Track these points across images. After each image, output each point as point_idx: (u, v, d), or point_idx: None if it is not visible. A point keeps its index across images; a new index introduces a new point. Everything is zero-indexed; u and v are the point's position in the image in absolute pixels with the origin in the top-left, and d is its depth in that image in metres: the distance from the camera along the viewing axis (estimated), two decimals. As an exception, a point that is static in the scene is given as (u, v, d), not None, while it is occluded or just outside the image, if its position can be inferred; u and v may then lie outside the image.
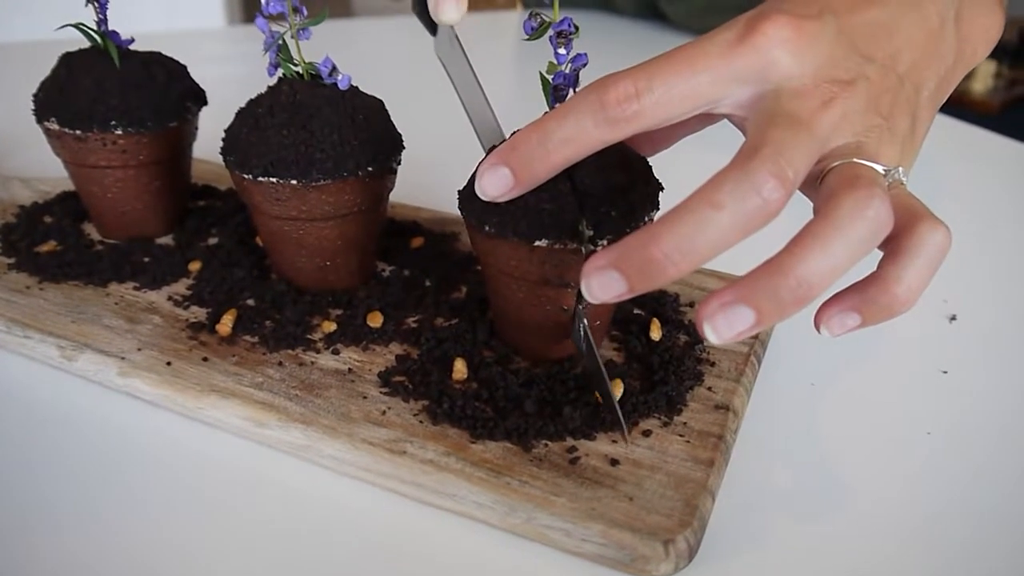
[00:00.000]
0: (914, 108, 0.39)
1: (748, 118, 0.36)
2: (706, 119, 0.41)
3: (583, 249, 0.40)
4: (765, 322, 0.32)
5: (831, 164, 0.35)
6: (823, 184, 0.35)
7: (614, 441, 0.41)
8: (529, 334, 0.46)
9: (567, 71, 0.40)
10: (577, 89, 0.40)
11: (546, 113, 0.38)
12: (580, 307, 0.43)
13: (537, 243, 0.41)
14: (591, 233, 0.40)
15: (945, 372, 0.50)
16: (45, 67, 0.54)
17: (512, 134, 0.40)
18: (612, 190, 0.41)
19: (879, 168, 0.35)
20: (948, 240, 0.34)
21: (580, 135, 0.36)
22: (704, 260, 0.33)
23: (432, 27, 0.55)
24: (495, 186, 0.38)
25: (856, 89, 0.36)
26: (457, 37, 0.49)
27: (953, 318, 0.55)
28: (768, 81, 0.35)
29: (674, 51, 0.36)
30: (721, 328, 0.32)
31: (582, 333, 0.42)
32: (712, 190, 0.32)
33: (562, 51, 0.39)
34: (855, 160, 0.35)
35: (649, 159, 0.44)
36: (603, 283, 0.33)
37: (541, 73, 0.40)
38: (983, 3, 0.44)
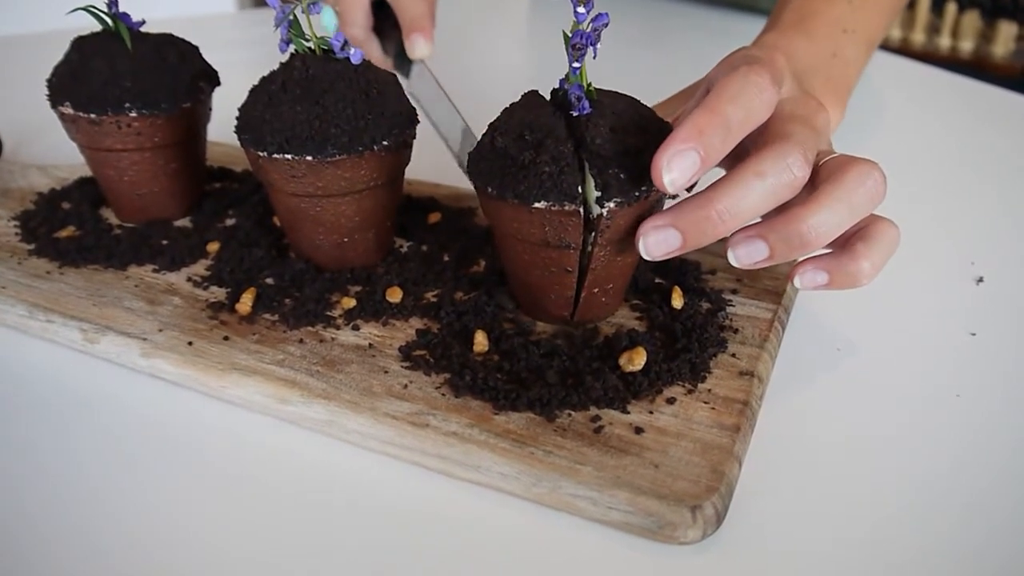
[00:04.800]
0: None
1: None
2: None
3: (580, 211, 0.41)
4: (776, 258, 0.40)
5: (822, 159, 0.42)
6: (821, 169, 0.41)
7: (634, 412, 0.40)
8: (536, 295, 0.46)
9: (587, 30, 0.39)
10: (596, 47, 0.40)
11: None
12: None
13: (536, 205, 0.41)
14: (599, 194, 0.40)
15: (973, 334, 0.49)
16: (58, 55, 0.54)
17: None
18: (624, 152, 0.41)
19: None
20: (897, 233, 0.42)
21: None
22: (745, 221, 0.39)
23: (406, 71, 0.65)
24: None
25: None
26: (429, 70, 0.58)
27: (980, 280, 0.54)
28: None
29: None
30: (741, 255, 0.40)
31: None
32: (756, 163, 0.39)
33: (581, 9, 0.39)
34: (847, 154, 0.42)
35: None
36: (660, 239, 0.40)
37: (564, 32, 0.40)
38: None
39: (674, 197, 0.42)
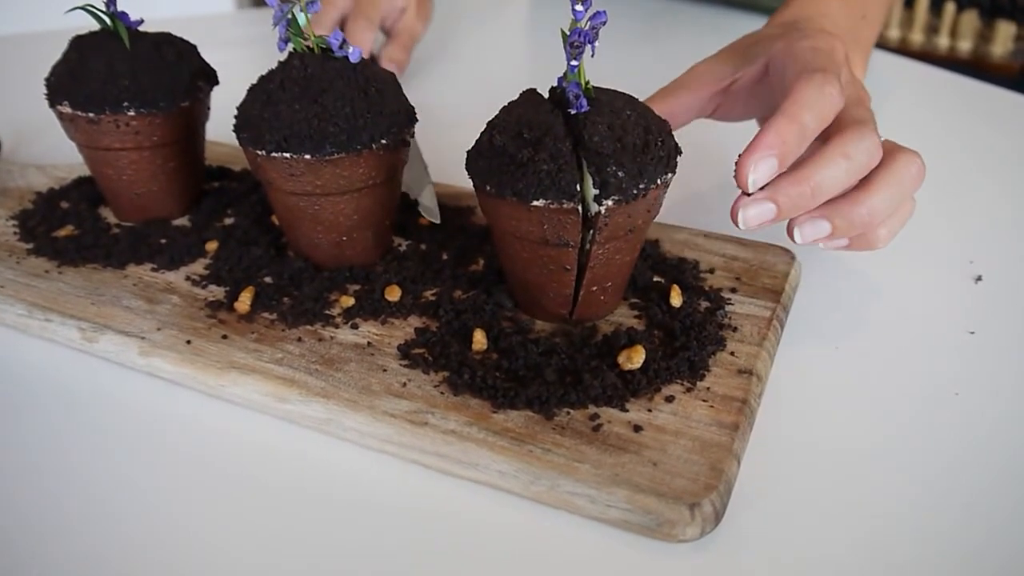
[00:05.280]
0: None
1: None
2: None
3: (578, 209, 0.41)
4: (836, 235, 0.44)
5: None
6: None
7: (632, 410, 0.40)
8: (535, 293, 0.46)
9: (585, 28, 0.40)
10: (595, 45, 0.40)
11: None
12: None
13: (534, 203, 0.41)
14: (597, 192, 0.40)
15: (972, 333, 0.49)
16: (57, 54, 0.54)
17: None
18: (622, 151, 0.41)
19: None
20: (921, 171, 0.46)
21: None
22: (829, 196, 0.43)
23: None
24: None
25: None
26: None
27: (979, 279, 0.54)
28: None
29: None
30: (807, 233, 0.44)
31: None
32: (842, 145, 0.43)
33: (579, 8, 0.39)
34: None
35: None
36: (759, 211, 0.43)
37: (562, 30, 0.40)
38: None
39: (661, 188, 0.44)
